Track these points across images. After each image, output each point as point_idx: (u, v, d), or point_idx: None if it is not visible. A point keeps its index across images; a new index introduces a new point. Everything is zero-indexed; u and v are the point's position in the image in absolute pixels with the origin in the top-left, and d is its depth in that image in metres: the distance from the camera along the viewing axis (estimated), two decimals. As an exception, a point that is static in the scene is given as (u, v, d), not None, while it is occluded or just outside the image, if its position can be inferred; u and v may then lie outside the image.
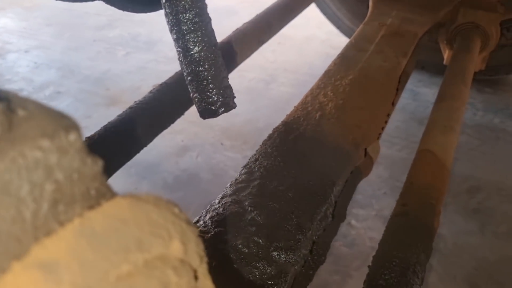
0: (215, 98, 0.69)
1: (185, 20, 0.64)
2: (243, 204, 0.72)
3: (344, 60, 1.13)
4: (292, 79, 2.17)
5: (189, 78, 0.68)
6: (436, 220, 0.83)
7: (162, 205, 0.26)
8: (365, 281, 0.73)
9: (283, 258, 0.65)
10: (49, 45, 2.51)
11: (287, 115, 0.97)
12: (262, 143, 0.87)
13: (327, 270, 1.32)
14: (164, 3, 0.63)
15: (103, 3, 0.77)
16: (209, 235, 0.67)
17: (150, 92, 1.09)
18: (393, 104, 1.04)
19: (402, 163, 1.64)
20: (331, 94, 1.00)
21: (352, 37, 1.28)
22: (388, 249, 0.76)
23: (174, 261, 0.25)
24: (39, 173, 0.22)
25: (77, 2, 0.89)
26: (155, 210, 0.25)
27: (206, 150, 1.76)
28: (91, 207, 0.24)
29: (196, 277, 0.28)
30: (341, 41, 2.13)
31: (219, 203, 0.73)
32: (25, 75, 2.23)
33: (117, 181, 1.55)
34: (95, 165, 0.25)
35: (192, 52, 0.66)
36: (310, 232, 0.70)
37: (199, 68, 0.66)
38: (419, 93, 2.08)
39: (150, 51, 2.42)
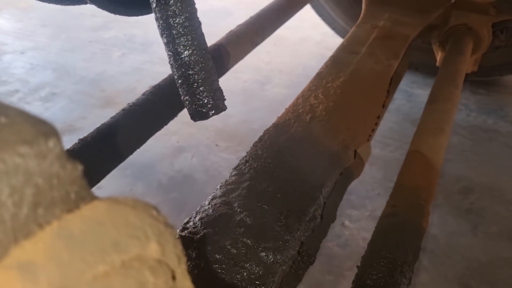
0: (206, 101, 0.70)
1: (175, 25, 0.65)
2: (232, 205, 0.73)
3: (335, 62, 1.14)
4: (286, 80, 2.19)
5: (179, 81, 0.69)
6: (425, 220, 0.84)
7: (140, 208, 0.27)
8: (353, 281, 0.74)
9: (271, 258, 0.66)
10: (45, 46, 2.51)
11: (278, 117, 0.98)
12: (253, 145, 0.88)
13: (320, 270, 1.33)
14: (155, 8, 0.64)
15: (97, 4, 0.78)
16: (198, 236, 0.68)
17: (144, 94, 1.10)
18: (384, 106, 1.06)
19: (395, 164, 1.66)
20: (322, 96, 1.01)
21: (344, 40, 1.29)
22: (377, 249, 0.77)
23: (151, 262, 0.26)
24: (19, 178, 0.23)
25: (70, 5, 0.90)
26: (132, 213, 0.26)
27: (201, 151, 1.77)
28: (70, 210, 0.25)
29: (174, 277, 0.29)
30: (336, 42, 2.14)
31: (209, 204, 0.74)
32: (20, 76, 2.24)
33: (112, 182, 1.57)
34: (75, 169, 0.26)
35: (183, 55, 0.67)
36: (298, 232, 0.71)
37: (189, 71, 0.67)
38: (413, 94, 2.09)
39: (146, 53, 2.43)
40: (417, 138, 1.02)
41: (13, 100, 2.07)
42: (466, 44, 1.46)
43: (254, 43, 1.42)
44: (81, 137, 0.98)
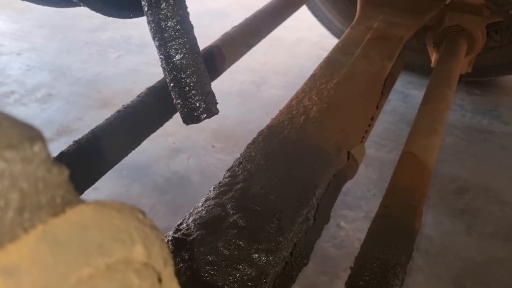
0: (198, 104, 0.70)
1: (167, 28, 0.65)
2: (225, 207, 0.73)
3: (329, 63, 1.15)
4: (283, 81, 2.19)
5: (171, 84, 0.69)
6: (418, 221, 0.85)
7: (126, 211, 0.27)
8: (346, 282, 0.75)
9: (263, 260, 0.66)
10: (41, 47, 2.51)
11: (272, 118, 0.98)
12: (247, 147, 0.89)
13: (315, 271, 1.33)
14: (146, 11, 0.65)
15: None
16: (191, 237, 0.68)
17: (138, 96, 1.10)
18: (378, 107, 1.06)
19: (391, 164, 1.65)
20: (316, 98, 1.01)
21: (338, 41, 1.30)
22: (369, 250, 0.78)
23: (136, 265, 0.27)
24: (4, 182, 0.23)
25: (64, 8, 0.90)
26: (118, 216, 0.26)
27: (197, 152, 1.78)
28: (55, 214, 0.25)
29: (160, 280, 0.29)
30: (332, 43, 2.14)
31: (202, 206, 0.74)
32: (17, 78, 2.24)
33: (108, 183, 1.57)
34: (61, 174, 0.26)
35: (174, 59, 0.67)
36: (291, 234, 0.71)
37: (181, 75, 0.68)
38: (409, 95, 2.10)
39: (142, 54, 2.43)
40: (411, 139, 1.03)
41: (9, 102, 2.07)
42: (460, 45, 1.47)
43: (249, 45, 1.42)
44: (76, 138, 0.98)
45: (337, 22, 2.20)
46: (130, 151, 1.04)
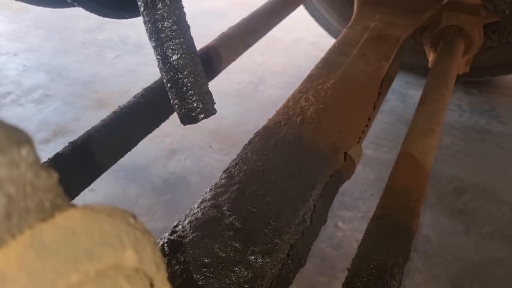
0: (195, 105, 0.70)
1: (164, 28, 0.65)
2: (221, 208, 0.73)
3: (326, 64, 1.15)
4: (280, 82, 2.19)
5: (168, 85, 0.69)
6: (415, 222, 0.85)
7: (116, 215, 0.27)
8: (343, 284, 0.74)
9: (260, 262, 0.65)
10: (38, 48, 2.51)
11: (268, 119, 0.98)
12: (243, 148, 0.88)
13: (313, 272, 1.33)
14: (143, 11, 0.64)
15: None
16: (187, 239, 0.67)
17: (135, 96, 1.10)
18: (375, 108, 1.06)
19: (389, 165, 1.65)
20: (313, 98, 1.01)
21: (335, 41, 1.29)
22: (367, 251, 0.77)
23: (127, 270, 0.26)
24: (-9, 187, 0.23)
25: (59, 8, 0.89)
26: (108, 220, 0.26)
27: (195, 153, 1.77)
28: (44, 219, 0.25)
29: (152, 285, 0.29)
30: (330, 43, 2.14)
31: (198, 207, 0.74)
32: (13, 78, 2.23)
33: (105, 184, 1.56)
34: (50, 177, 0.25)
35: (171, 59, 0.67)
36: (287, 236, 0.71)
37: (178, 75, 0.67)
38: (407, 95, 2.10)
39: (139, 54, 2.42)
40: (408, 140, 1.03)
41: (6, 102, 2.06)
42: (457, 45, 1.46)
43: (246, 45, 1.42)
44: (73, 139, 0.98)
45: (335, 22, 2.19)
46: (127, 152, 1.04)
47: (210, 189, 0.78)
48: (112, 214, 0.27)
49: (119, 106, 1.06)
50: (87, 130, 0.99)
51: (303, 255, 0.77)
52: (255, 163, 0.82)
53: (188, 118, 0.72)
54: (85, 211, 0.26)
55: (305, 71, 1.22)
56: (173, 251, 0.66)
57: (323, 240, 1.42)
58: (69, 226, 0.24)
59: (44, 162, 0.91)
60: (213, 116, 0.75)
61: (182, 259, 0.65)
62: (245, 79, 2.20)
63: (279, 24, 1.63)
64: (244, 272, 0.64)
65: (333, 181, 0.88)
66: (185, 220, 0.71)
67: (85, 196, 1.53)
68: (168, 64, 0.68)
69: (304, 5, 2.19)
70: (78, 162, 0.94)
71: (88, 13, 0.80)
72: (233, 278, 0.63)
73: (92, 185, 0.99)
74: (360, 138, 0.97)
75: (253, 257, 0.66)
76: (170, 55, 0.67)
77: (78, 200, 0.95)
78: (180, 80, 0.69)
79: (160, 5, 0.64)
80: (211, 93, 0.75)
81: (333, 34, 2.24)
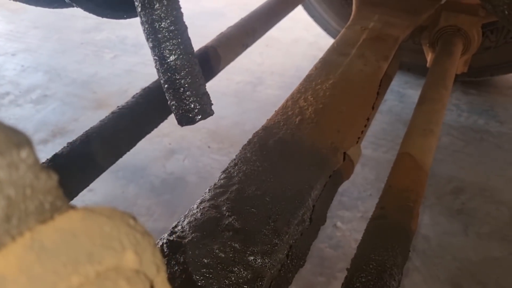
0: (192, 106, 0.70)
1: (161, 29, 0.65)
2: (221, 209, 0.73)
3: (325, 64, 1.15)
4: (279, 82, 2.19)
5: (166, 86, 0.69)
6: (414, 222, 0.85)
7: (116, 217, 0.27)
8: (342, 284, 0.74)
9: (259, 262, 0.65)
10: (36, 48, 2.50)
11: (267, 119, 0.98)
12: (242, 148, 0.88)
13: (312, 272, 1.33)
14: (140, 11, 0.64)
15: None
16: (186, 240, 0.67)
17: (133, 96, 1.10)
18: (374, 107, 1.06)
19: (388, 165, 1.65)
20: (311, 98, 1.01)
21: (334, 41, 1.29)
22: (366, 251, 0.77)
23: (128, 272, 0.26)
24: (-10, 189, 0.22)
25: (58, 8, 0.89)
26: (108, 222, 0.26)
27: (193, 153, 1.77)
28: (44, 221, 0.24)
29: (152, 287, 0.29)
30: (329, 43, 2.15)
31: (197, 208, 0.73)
32: (11, 78, 2.23)
33: (104, 184, 1.56)
34: (50, 179, 0.25)
35: (169, 60, 0.67)
36: (287, 236, 0.71)
37: (175, 76, 0.67)
38: (406, 95, 2.10)
39: (138, 54, 2.42)
40: (407, 140, 1.03)
41: (4, 103, 2.06)
42: (456, 45, 1.47)
43: (244, 45, 1.42)
44: (72, 140, 0.98)
45: (333, 22, 2.19)
46: (126, 152, 1.04)
47: (209, 189, 0.78)
48: (112, 216, 0.27)
49: (118, 106, 1.06)
50: (86, 131, 0.98)
51: (302, 255, 0.77)
52: (254, 164, 0.82)
53: (185, 119, 0.72)
54: (85, 213, 0.26)
55: (304, 71, 1.22)
56: (173, 251, 0.66)
57: (322, 240, 1.42)
58: (69, 228, 0.24)
59: (43, 163, 0.91)
60: (211, 116, 0.75)
61: (182, 260, 0.64)
62: (243, 79, 2.20)
63: (277, 24, 1.63)
64: (244, 273, 0.64)
65: (332, 181, 0.88)
66: (184, 220, 0.71)
67: (84, 197, 1.53)
68: (166, 65, 0.68)
69: (303, 5, 2.19)
70: (76, 162, 0.94)
71: (86, 13, 0.80)
72: (233, 278, 0.63)
73: (91, 185, 0.99)
74: (359, 138, 0.97)
75: (252, 258, 0.66)
76: (168, 55, 0.67)
77: (77, 200, 0.95)
78: (177, 81, 0.68)
79: (158, 5, 0.64)
80: (208, 94, 0.75)
81: (331, 34, 2.24)
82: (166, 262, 0.66)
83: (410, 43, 1.93)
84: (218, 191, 0.76)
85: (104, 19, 0.82)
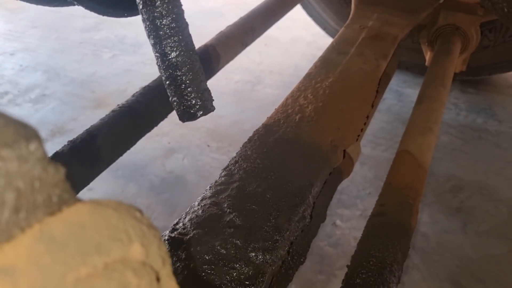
0: (194, 102, 0.70)
1: (162, 26, 0.65)
2: (222, 206, 0.73)
3: (324, 63, 1.15)
4: (278, 81, 2.19)
5: (167, 82, 0.69)
6: (414, 219, 0.85)
7: (123, 210, 0.27)
8: (343, 280, 0.75)
9: (260, 258, 0.66)
10: (35, 47, 2.50)
11: (267, 117, 0.98)
12: (243, 146, 0.88)
13: (312, 270, 1.33)
14: (141, 9, 0.64)
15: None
16: (188, 237, 0.68)
17: (133, 95, 1.10)
18: (373, 106, 1.06)
19: (386, 163, 1.66)
20: (311, 96, 1.01)
21: (333, 40, 1.30)
22: (366, 248, 0.78)
23: (134, 264, 0.26)
24: (0, 181, 0.23)
25: (58, 7, 0.89)
26: (115, 215, 0.26)
27: (193, 152, 1.77)
28: (52, 213, 0.25)
29: (158, 279, 0.29)
30: (327, 42, 2.15)
31: (198, 205, 0.74)
32: (10, 78, 2.23)
33: (103, 183, 1.56)
34: (57, 172, 0.26)
35: (170, 57, 0.67)
36: (287, 233, 0.71)
37: (176, 72, 0.68)
38: (404, 94, 2.10)
39: (136, 53, 2.42)
40: (406, 138, 1.03)
41: (3, 102, 2.05)
42: (454, 43, 1.47)
43: (244, 44, 1.42)
44: (70, 139, 0.98)
45: (332, 22, 2.20)
46: (126, 151, 1.04)
47: (210, 186, 0.78)
48: (119, 209, 0.27)
49: (118, 105, 1.07)
50: (86, 129, 0.99)
51: (303, 252, 0.78)
52: (254, 161, 0.83)
53: (186, 115, 0.73)
54: (92, 206, 0.26)
55: (303, 70, 1.23)
56: (174, 248, 0.67)
57: (321, 238, 1.42)
58: (77, 220, 0.25)
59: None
60: (210, 115, 0.75)
61: (183, 256, 0.65)
62: (242, 78, 2.20)
63: (276, 23, 1.64)
64: (245, 269, 0.64)
65: (332, 178, 0.88)
66: (185, 217, 0.72)
67: (84, 195, 1.52)
68: (167, 62, 0.68)
69: (301, 5, 2.19)
70: (76, 161, 0.94)
71: (85, 12, 0.80)
72: (234, 274, 0.63)
73: (90, 184, 0.99)
74: (358, 136, 0.97)
75: (253, 254, 0.66)
76: (169, 52, 0.67)
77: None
78: (178, 77, 0.69)
79: (159, 2, 0.64)
80: (209, 90, 0.75)
81: (330, 33, 2.25)
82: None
83: (408, 42, 1.93)
84: (219, 188, 0.77)
85: (103, 18, 0.83)
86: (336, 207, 1.53)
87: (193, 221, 0.70)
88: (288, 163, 0.84)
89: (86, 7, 0.78)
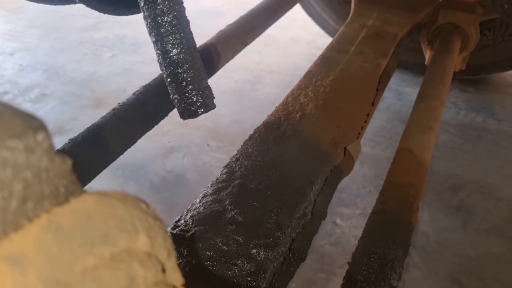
0: (195, 99, 0.70)
1: (164, 23, 0.65)
2: (223, 203, 0.73)
3: (325, 61, 1.15)
4: (277, 80, 2.19)
5: (168, 79, 0.69)
6: (414, 217, 0.85)
7: (129, 201, 0.27)
8: (344, 277, 0.75)
9: (262, 255, 0.66)
10: (34, 47, 2.50)
11: (268, 115, 0.98)
12: (244, 143, 0.89)
13: (312, 268, 1.33)
14: (143, 6, 0.65)
15: (87, 5, 0.78)
16: (189, 233, 0.68)
17: (134, 93, 1.10)
18: (373, 104, 1.06)
19: (386, 162, 1.66)
20: (312, 94, 1.01)
21: (333, 39, 1.30)
22: (367, 245, 0.78)
23: (140, 255, 0.27)
24: (8, 172, 0.23)
25: (59, 5, 0.89)
26: (121, 206, 0.26)
27: (193, 151, 1.77)
28: (59, 204, 0.25)
29: (163, 270, 0.29)
30: (327, 42, 2.15)
31: (200, 202, 0.74)
32: (10, 78, 2.23)
33: (103, 182, 1.56)
34: (64, 164, 0.26)
35: (171, 54, 0.67)
36: (289, 229, 0.71)
37: (178, 70, 0.68)
38: (404, 93, 2.11)
39: (136, 53, 2.42)
40: (406, 136, 1.03)
41: (3, 102, 2.05)
42: (454, 42, 1.47)
43: (244, 43, 1.42)
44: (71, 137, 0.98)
45: (332, 21, 2.20)
46: (126, 149, 1.04)
47: (211, 183, 0.79)
48: (125, 200, 0.27)
49: (119, 103, 1.07)
50: (87, 127, 0.99)
51: (304, 249, 0.78)
52: (255, 158, 0.83)
53: (187, 113, 0.73)
54: (99, 197, 0.26)
55: (302, 70, 1.23)
56: (176, 245, 0.67)
57: (321, 236, 1.42)
58: (84, 210, 0.25)
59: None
60: (210, 114, 0.75)
61: (185, 253, 0.65)
62: (242, 78, 2.20)
63: (276, 23, 1.64)
64: (247, 265, 0.64)
65: (332, 176, 0.89)
66: (187, 214, 0.72)
67: (84, 195, 1.52)
68: (168, 59, 0.68)
69: (301, 4, 2.19)
70: (77, 159, 0.94)
71: (84, 12, 0.80)
72: (236, 271, 0.63)
73: (90, 184, 0.99)
74: (359, 133, 0.98)
75: (255, 251, 0.66)
76: (170, 49, 0.68)
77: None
78: (179, 75, 0.69)
79: (160, 0, 0.65)
80: (210, 88, 0.75)
81: (329, 32, 2.25)
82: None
83: (408, 41, 1.94)
84: (220, 185, 0.77)
85: (103, 18, 0.83)
86: (336, 205, 1.53)
87: (194, 218, 0.70)
88: (289, 161, 0.84)
89: (87, 5, 0.78)
